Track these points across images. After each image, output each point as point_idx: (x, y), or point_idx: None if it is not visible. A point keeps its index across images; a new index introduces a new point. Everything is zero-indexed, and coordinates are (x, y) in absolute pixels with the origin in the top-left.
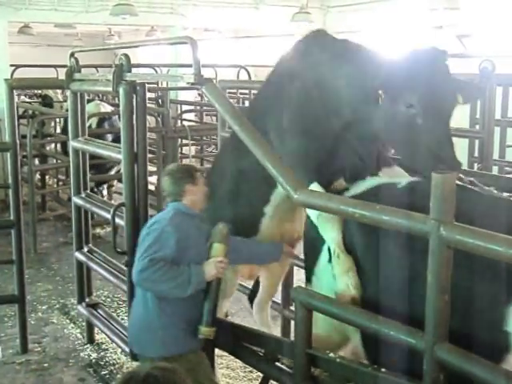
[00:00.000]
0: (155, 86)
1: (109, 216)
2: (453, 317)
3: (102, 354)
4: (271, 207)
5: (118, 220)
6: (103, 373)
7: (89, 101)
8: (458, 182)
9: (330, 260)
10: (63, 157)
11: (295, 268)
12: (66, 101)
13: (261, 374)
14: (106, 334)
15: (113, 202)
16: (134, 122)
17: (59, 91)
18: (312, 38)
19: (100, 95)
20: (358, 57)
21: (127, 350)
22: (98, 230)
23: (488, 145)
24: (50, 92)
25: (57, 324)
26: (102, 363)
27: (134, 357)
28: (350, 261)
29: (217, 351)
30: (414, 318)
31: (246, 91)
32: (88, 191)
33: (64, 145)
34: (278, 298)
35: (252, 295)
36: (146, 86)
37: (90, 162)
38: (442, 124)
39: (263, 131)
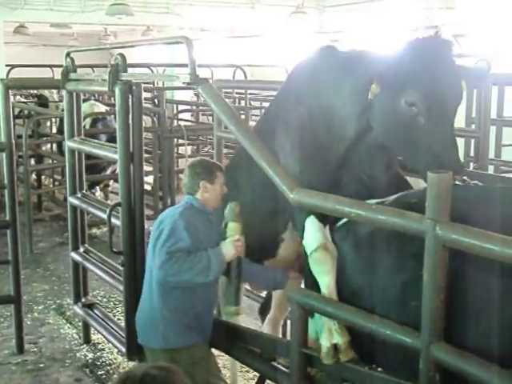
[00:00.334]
0: (151, 85)
1: (105, 216)
2: None
3: (98, 354)
4: (289, 232)
5: (114, 220)
6: (99, 373)
7: (83, 101)
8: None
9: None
10: (59, 157)
11: None
12: (61, 101)
13: (257, 374)
14: (102, 334)
15: (109, 201)
16: (130, 121)
17: (55, 91)
18: (320, 58)
19: (96, 95)
20: (359, 67)
21: (123, 350)
22: (94, 230)
23: (484, 144)
24: (46, 92)
25: (53, 324)
26: (99, 363)
27: (130, 356)
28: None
29: (213, 351)
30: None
31: (242, 91)
32: (84, 191)
33: (60, 145)
34: None
35: (262, 309)
36: (142, 85)
37: (85, 162)
38: (445, 124)
39: (274, 152)
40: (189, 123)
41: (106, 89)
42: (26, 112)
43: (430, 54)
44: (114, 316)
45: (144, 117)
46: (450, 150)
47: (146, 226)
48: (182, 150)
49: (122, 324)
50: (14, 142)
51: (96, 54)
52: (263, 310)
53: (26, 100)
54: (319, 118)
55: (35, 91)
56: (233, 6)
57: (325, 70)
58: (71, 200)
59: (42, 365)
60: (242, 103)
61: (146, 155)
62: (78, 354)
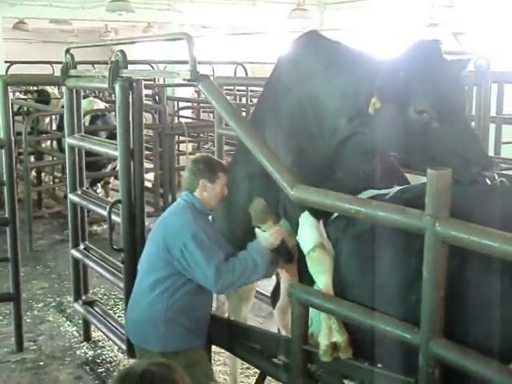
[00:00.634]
0: (152, 82)
1: (105, 213)
2: None
3: (98, 351)
4: (284, 222)
5: (114, 217)
6: (100, 370)
7: (83, 97)
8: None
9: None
10: (59, 154)
11: None
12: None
13: (258, 371)
14: (102, 332)
15: (109, 199)
16: (131, 118)
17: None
18: (305, 43)
19: (96, 92)
20: (352, 65)
21: (124, 347)
22: (94, 228)
23: (483, 141)
24: (48, 88)
25: (53, 322)
26: (99, 361)
27: (130, 354)
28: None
29: (214, 348)
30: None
31: (243, 88)
32: (84, 188)
33: (60, 142)
34: None
35: (273, 296)
36: (143, 82)
37: (86, 159)
38: (461, 123)
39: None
40: (190, 120)
41: (106, 85)
42: (25, 109)
43: (425, 58)
44: (115, 313)
45: (145, 114)
46: (474, 147)
47: (146, 223)
48: (182, 147)
49: (123, 321)
50: (13, 138)
51: (97, 51)
52: (274, 297)
53: (25, 97)
54: (308, 108)
55: (35, 87)
56: (234, 3)
57: (311, 58)
58: (71, 197)
59: (41, 363)
60: (243, 100)
61: (146, 152)
62: (78, 352)
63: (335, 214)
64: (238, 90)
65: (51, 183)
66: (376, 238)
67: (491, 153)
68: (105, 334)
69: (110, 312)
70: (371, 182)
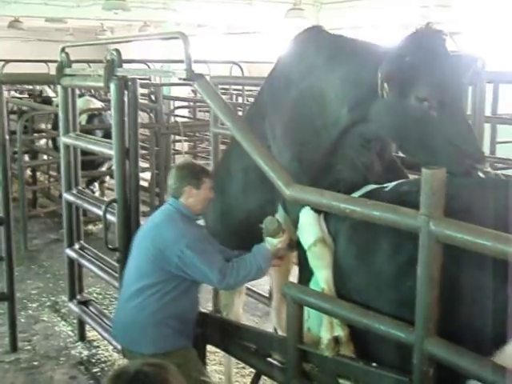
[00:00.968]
0: (148, 81)
1: (100, 212)
2: None
3: (93, 351)
4: (280, 216)
5: (109, 216)
6: (94, 370)
7: (78, 96)
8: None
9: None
10: (54, 153)
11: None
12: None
13: (253, 370)
14: (97, 332)
15: (105, 198)
16: (126, 117)
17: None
18: (307, 38)
19: (92, 91)
20: (354, 54)
21: (119, 347)
22: (90, 227)
23: (478, 139)
24: (48, 91)
25: (47, 322)
26: (94, 361)
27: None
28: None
29: (209, 347)
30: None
31: (240, 87)
32: (79, 187)
33: (54, 140)
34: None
35: (271, 294)
36: (138, 81)
37: (81, 158)
38: (460, 115)
39: (263, 137)
40: (186, 119)
41: (101, 84)
42: (19, 107)
43: (428, 46)
44: (110, 313)
45: (141, 113)
46: (470, 140)
47: (141, 223)
48: (178, 146)
49: None
50: (7, 137)
51: (93, 50)
52: (271, 297)
53: (21, 96)
54: (311, 101)
55: (31, 86)
56: (230, 2)
57: (314, 50)
58: (66, 196)
59: (35, 363)
60: (240, 100)
61: (142, 151)
62: (72, 352)
63: None
64: (234, 90)
65: (46, 182)
66: (374, 226)
67: (486, 152)
68: (100, 334)
69: (105, 311)
70: (370, 175)
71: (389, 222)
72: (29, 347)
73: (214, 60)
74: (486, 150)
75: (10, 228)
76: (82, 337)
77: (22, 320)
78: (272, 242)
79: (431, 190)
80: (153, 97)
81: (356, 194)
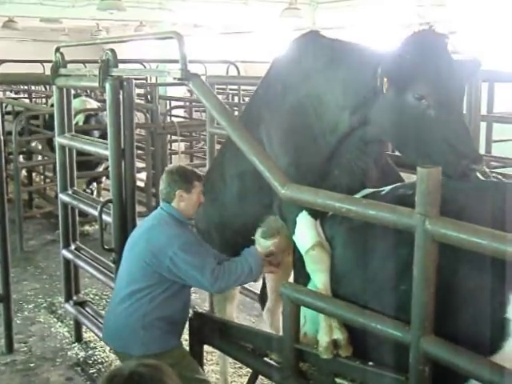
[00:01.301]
0: (144, 81)
1: (96, 213)
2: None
3: (90, 352)
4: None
5: (105, 217)
6: (91, 371)
7: (75, 96)
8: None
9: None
10: (50, 153)
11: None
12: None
13: (250, 370)
14: (94, 333)
15: (101, 198)
16: (121, 117)
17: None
18: (304, 43)
19: (88, 91)
20: (352, 59)
21: (109, 348)
22: (86, 228)
23: (474, 140)
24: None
25: (43, 323)
26: (90, 362)
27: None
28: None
29: (206, 348)
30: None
31: (236, 87)
32: (75, 188)
33: (50, 141)
34: None
35: (261, 297)
36: (134, 81)
37: (78, 158)
38: (457, 115)
39: (259, 141)
40: (182, 119)
41: (96, 84)
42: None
43: (430, 46)
44: None
45: (137, 113)
46: (466, 140)
47: (137, 223)
48: (175, 146)
49: None
50: (2, 138)
51: (89, 50)
52: (262, 298)
53: (16, 96)
54: (309, 107)
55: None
56: (226, 2)
57: (311, 56)
58: (62, 197)
59: (32, 364)
60: (236, 99)
61: (138, 152)
62: (69, 353)
63: (330, 213)
64: (230, 89)
65: (42, 183)
66: (371, 227)
67: (482, 151)
68: (96, 335)
69: (102, 312)
70: (367, 180)
71: (384, 221)
72: (25, 349)
73: (210, 60)
74: (482, 148)
75: (6, 229)
76: (78, 338)
77: (18, 321)
78: (264, 244)
79: (427, 189)
80: (149, 97)
81: None
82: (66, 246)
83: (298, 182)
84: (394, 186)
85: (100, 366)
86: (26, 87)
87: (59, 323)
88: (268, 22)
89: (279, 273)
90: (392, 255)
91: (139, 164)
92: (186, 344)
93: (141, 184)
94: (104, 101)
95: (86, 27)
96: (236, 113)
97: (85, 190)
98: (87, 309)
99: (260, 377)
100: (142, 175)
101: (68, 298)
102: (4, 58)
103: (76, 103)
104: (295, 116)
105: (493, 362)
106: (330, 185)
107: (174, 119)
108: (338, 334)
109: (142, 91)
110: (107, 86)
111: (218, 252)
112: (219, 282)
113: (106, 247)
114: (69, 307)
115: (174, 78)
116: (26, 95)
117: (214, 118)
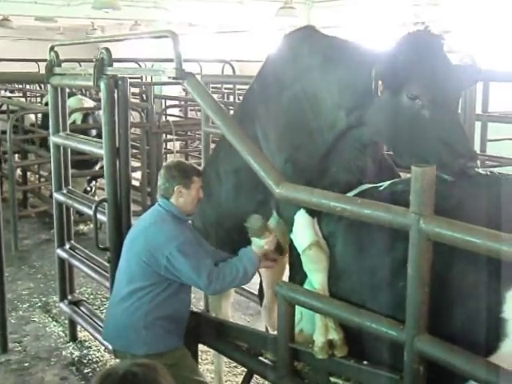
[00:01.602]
0: (139, 81)
1: (91, 212)
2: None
3: (84, 351)
4: (274, 220)
5: (100, 216)
6: (86, 371)
7: (70, 95)
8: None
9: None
10: (45, 152)
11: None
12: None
13: (245, 369)
14: (88, 332)
15: (96, 197)
16: (116, 116)
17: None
18: (300, 38)
19: (83, 90)
20: (349, 57)
21: (110, 347)
22: (81, 227)
23: (470, 139)
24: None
25: (38, 322)
26: (85, 361)
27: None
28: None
29: (201, 347)
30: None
31: (231, 86)
32: (70, 187)
33: (44, 140)
34: None
35: (260, 293)
36: (128, 80)
37: (78, 157)
38: (452, 114)
39: (254, 140)
40: (177, 118)
41: (91, 83)
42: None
43: (425, 47)
44: (101, 313)
45: (132, 112)
46: (461, 139)
47: (132, 222)
48: (170, 145)
49: None
50: None
51: (84, 49)
52: (260, 296)
53: (11, 95)
54: (305, 104)
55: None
56: (221, 1)
57: (307, 52)
58: (57, 196)
59: (26, 364)
60: (231, 98)
61: (133, 151)
62: (63, 352)
63: None
64: (225, 89)
65: (37, 182)
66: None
67: (477, 150)
68: (91, 334)
69: (97, 312)
70: (363, 177)
71: (379, 220)
72: (19, 348)
73: (205, 59)
74: (477, 147)
75: (1, 228)
76: (73, 337)
77: (13, 321)
78: (258, 243)
79: (421, 188)
80: (144, 96)
81: (350, 194)
82: (61, 245)
83: (295, 178)
84: (392, 181)
85: (95, 365)
86: (20, 86)
87: (54, 322)
88: (263, 21)
89: (274, 268)
90: (392, 250)
91: (134, 163)
92: None
93: (136, 183)
94: (99, 100)
95: (81, 26)
96: (231, 112)
97: (85, 189)
98: (82, 308)
99: (255, 376)
100: (137, 174)
101: (63, 298)
102: None
103: (72, 102)
104: (291, 113)
105: (488, 361)
106: (328, 182)
107: (169, 118)
108: (334, 335)
109: (137, 90)
110: (102, 84)
111: (215, 248)
112: (214, 285)
113: (100, 246)
114: (63, 306)
115: (169, 77)
116: (20, 94)
117: (209, 117)
